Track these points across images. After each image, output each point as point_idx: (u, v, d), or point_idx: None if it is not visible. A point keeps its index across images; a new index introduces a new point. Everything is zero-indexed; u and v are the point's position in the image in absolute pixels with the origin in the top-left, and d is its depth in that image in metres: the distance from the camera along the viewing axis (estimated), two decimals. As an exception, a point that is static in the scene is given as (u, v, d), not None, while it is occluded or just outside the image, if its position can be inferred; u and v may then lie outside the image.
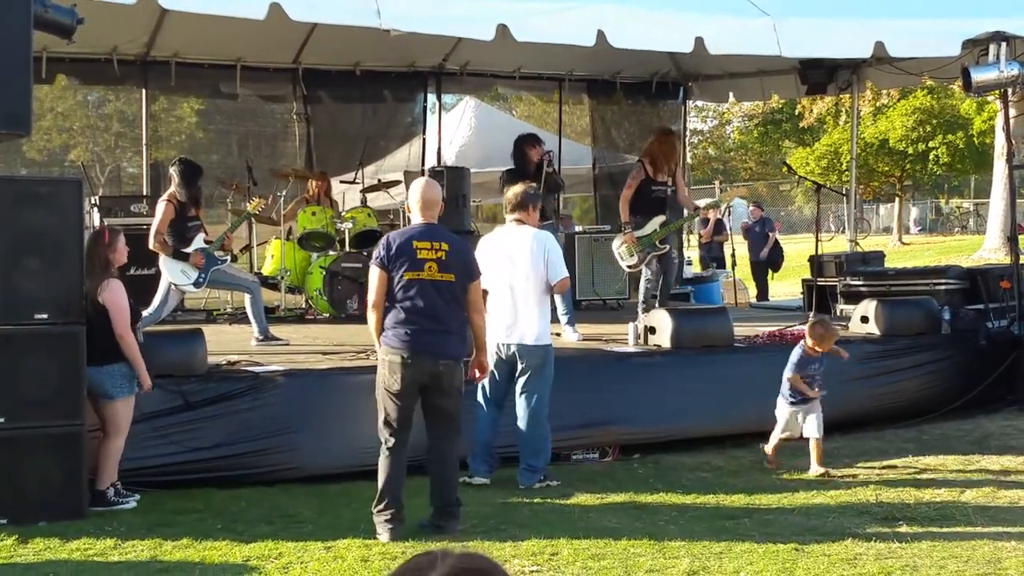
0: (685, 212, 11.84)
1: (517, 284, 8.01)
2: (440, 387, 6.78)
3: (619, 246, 10.87)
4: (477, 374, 7.26)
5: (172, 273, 9.87)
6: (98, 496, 7.31)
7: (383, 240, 6.94)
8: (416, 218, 6.96)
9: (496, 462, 8.19)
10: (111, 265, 7.54)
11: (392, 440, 6.78)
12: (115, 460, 7.41)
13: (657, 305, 10.73)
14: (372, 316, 6.85)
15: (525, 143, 11.03)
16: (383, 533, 6.66)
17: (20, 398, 7.05)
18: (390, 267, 6.75)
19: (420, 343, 6.70)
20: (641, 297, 10.96)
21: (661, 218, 10.73)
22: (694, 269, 19.28)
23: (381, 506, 6.73)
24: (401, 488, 6.81)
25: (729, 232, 20.34)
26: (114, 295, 7.41)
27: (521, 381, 8.08)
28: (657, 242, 10.70)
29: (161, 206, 10.03)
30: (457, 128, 18.69)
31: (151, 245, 9.91)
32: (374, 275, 6.83)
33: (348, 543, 6.59)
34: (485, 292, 7.58)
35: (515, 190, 8.26)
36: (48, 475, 7.09)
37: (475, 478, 8.04)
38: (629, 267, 11.01)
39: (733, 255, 18.90)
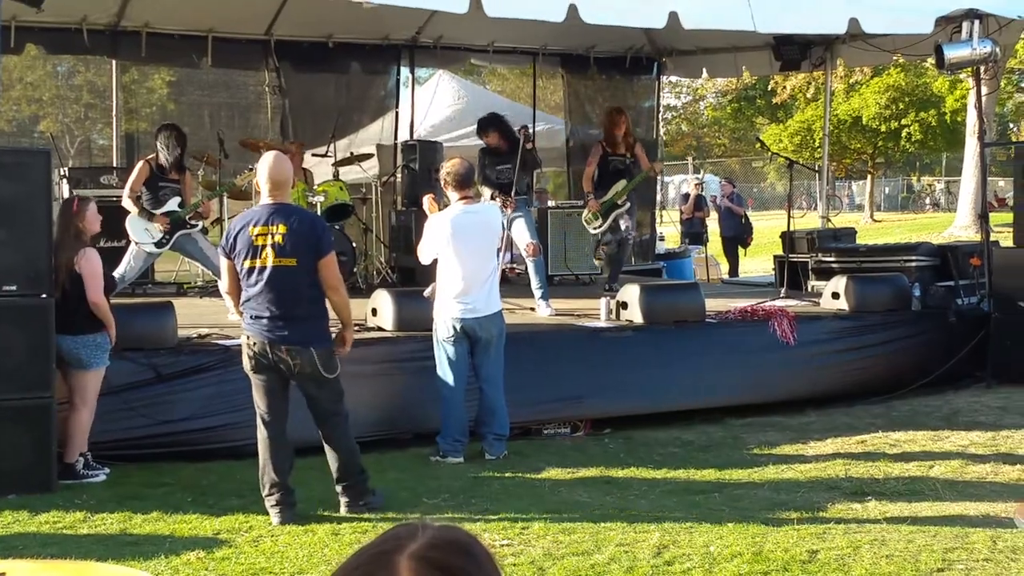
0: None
1: (473, 262, 8.00)
2: (292, 373, 6.59)
3: (585, 213, 11.68)
4: (343, 350, 6.89)
5: (136, 231, 9.77)
6: (67, 469, 7.28)
7: (228, 227, 6.81)
8: (264, 198, 6.70)
9: (467, 439, 8.18)
10: (83, 234, 7.51)
11: (262, 420, 6.65)
12: (84, 432, 7.38)
13: (613, 254, 11.67)
14: (227, 301, 6.89)
15: (480, 130, 11.03)
16: (273, 517, 6.52)
17: (-12, 370, 7.00)
18: (232, 256, 6.63)
19: (262, 329, 6.53)
20: (606, 261, 11.78)
21: (622, 182, 11.44)
22: (667, 245, 19.30)
23: (265, 491, 6.60)
24: (285, 471, 6.61)
25: (708, 208, 20.43)
26: (91, 263, 7.41)
27: (483, 353, 8.11)
28: (618, 201, 11.46)
29: (138, 165, 10.03)
30: (432, 102, 18.59)
31: (122, 202, 9.85)
32: (223, 264, 6.78)
33: (318, 516, 6.58)
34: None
35: (455, 168, 8.07)
36: (17, 448, 7.05)
37: (448, 458, 8.01)
38: (596, 229, 11.72)
39: (705, 231, 18.97)
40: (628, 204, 11.56)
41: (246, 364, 6.65)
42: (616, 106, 12.73)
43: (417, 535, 1.64)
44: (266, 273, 6.50)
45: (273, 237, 6.50)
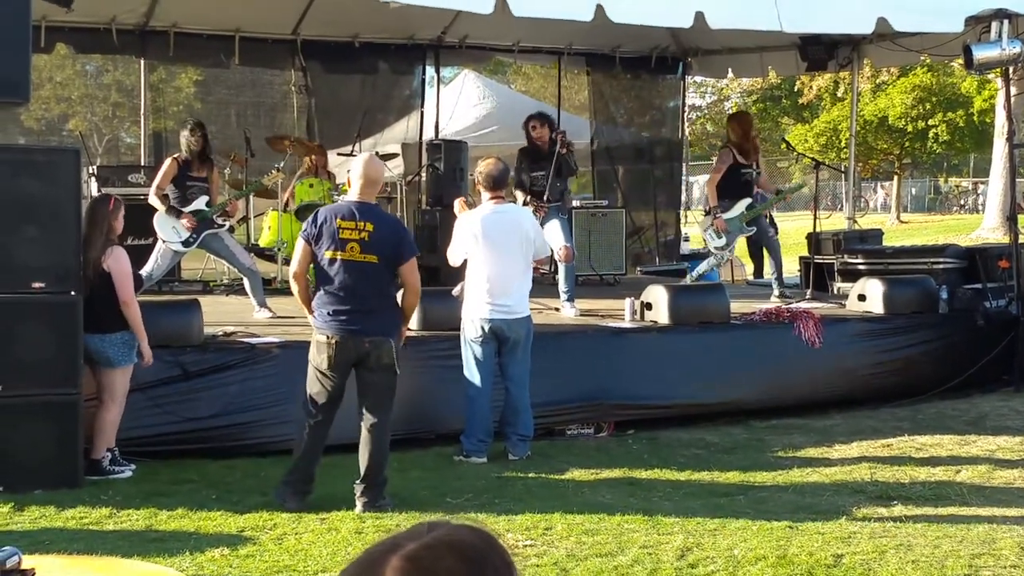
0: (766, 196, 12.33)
1: (502, 262, 8.00)
2: (368, 364, 6.73)
3: (708, 228, 11.42)
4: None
5: (163, 230, 9.81)
6: (94, 465, 7.32)
7: (314, 213, 6.95)
8: (353, 194, 6.91)
9: (491, 439, 8.18)
10: (114, 233, 7.56)
11: (315, 415, 6.78)
12: (112, 429, 7.42)
13: (777, 290, 11.45)
14: (294, 285, 6.97)
15: (527, 123, 11.00)
16: (290, 502, 6.70)
17: (16, 366, 7.05)
18: (314, 243, 6.77)
19: (342, 323, 6.68)
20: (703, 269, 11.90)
21: (747, 200, 11.26)
22: (692, 246, 19.24)
23: (290, 477, 6.79)
24: (315, 464, 6.81)
25: None
26: (119, 262, 7.44)
27: (510, 354, 8.12)
28: (744, 224, 11.29)
29: (166, 162, 10.07)
30: (457, 102, 18.61)
31: (149, 199, 9.88)
32: (299, 246, 6.92)
33: (342, 514, 6.61)
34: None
35: (488, 168, 8.14)
36: (44, 443, 7.10)
37: (472, 458, 8.02)
38: (717, 248, 11.52)
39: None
40: (755, 229, 11.55)
41: (322, 362, 6.72)
42: (742, 110, 12.62)
43: (422, 535, 1.60)
44: (350, 266, 6.68)
45: (361, 232, 6.68)
